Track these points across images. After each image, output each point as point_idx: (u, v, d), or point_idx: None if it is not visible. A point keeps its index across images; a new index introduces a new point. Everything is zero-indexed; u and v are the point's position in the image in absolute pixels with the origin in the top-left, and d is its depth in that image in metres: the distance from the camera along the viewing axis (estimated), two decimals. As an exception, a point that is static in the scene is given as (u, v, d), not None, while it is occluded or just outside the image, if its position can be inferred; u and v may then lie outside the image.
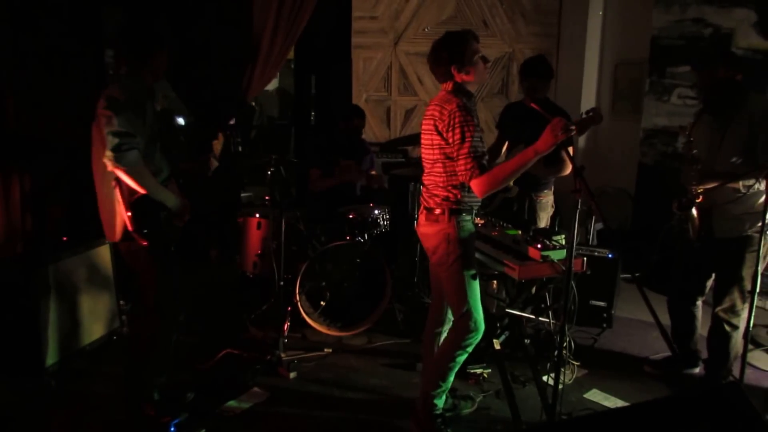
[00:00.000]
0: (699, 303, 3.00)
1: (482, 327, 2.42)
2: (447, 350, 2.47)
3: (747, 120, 2.61)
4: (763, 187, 2.59)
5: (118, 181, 2.30)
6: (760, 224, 2.65)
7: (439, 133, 2.30)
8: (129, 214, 2.30)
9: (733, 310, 2.79)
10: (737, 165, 2.63)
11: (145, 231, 2.31)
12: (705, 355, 3.02)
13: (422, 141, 2.43)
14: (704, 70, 2.67)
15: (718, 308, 2.82)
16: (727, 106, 2.65)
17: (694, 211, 2.70)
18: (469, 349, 2.45)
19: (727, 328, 2.82)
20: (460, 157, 2.25)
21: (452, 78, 2.34)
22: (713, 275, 2.93)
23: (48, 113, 3.38)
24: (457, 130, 2.23)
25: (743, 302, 2.77)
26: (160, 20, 3.61)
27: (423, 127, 2.41)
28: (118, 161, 2.22)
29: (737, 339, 2.83)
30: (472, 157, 2.22)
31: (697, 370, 3.11)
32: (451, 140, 2.26)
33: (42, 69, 3.35)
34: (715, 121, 2.70)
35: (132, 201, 2.30)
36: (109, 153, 2.22)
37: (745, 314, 2.81)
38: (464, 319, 2.39)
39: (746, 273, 2.73)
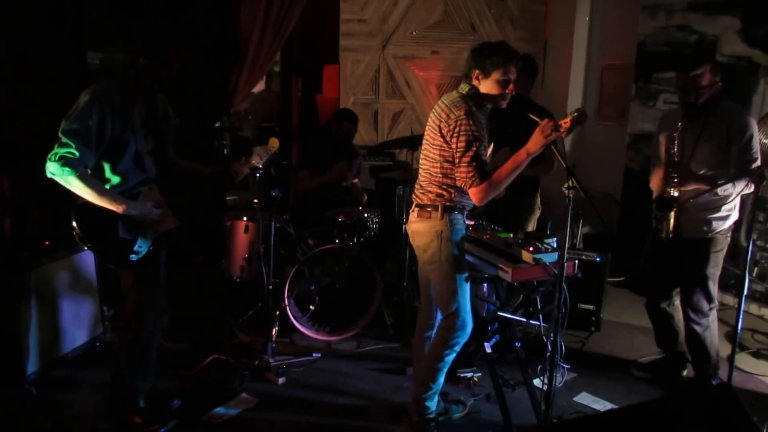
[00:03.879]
0: (676, 303, 3.03)
1: (470, 326, 2.42)
2: (435, 350, 2.46)
3: (721, 127, 2.69)
4: (735, 191, 2.68)
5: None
6: (725, 226, 2.78)
7: (442, 136, 2.30)
8: (72, 222, 2.26)
9: (700, 310, 2.85)
10: (710, 170, 2.71)
11: (85, 238, 2.27)
12: (692, 357, 3.06)
13: (425, 136, 2.42)
14: (688, 74, 2.71)
15: (686, 308, 2.89)
16: (702, 112, 2.71)
17: (673, 212, 2.77)
18: (457, 348, 2.44)
19: (696, 328, 2.87)
20: (462, 164, 2.25)
21: (469, 80, 2.33)
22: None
23: (28, 115, 3.30)
24: (462, 138, 2.23)
25: (709, 302, 2.85)
26: (171, 27, 3.52)
27: (429, 122, 2.40)
28: (49, 168, 2.18)
29: (711, 337, 2.90)
30: (475, 166, 2.23)
31: (684, 372, 3.13)
32: (454, 146, 2.26)
33: (22, 70, 3.28)
34: (690, 127, 2.76)
35: (76, 207, 2.26)
36: (47, 160, 2.18)
37: (714, 314, 2.89)
38: (452, 318, 2.39)
39: (710, 272, 2.82)
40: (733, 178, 2.63)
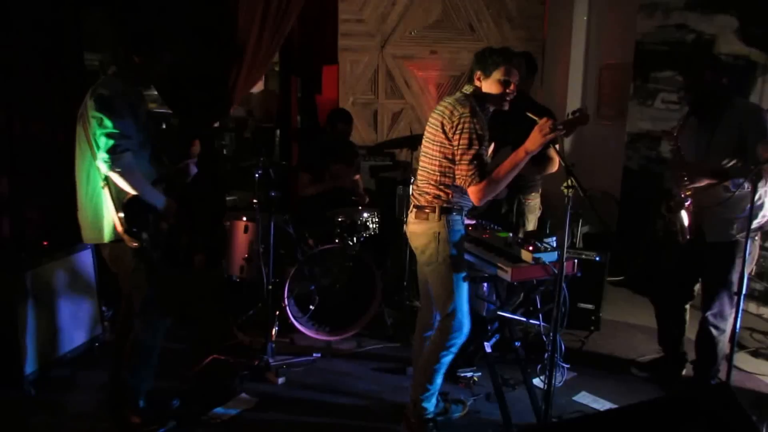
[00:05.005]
0: (687, 306, 3.03)
1: (467, 328, 2.42)
2: (431, 352, 2.46)
3: (735, 123, 2.64)
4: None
5: (108, 181, 2.25)
6: (752, 227, 2.66)
7: (444, 133, 2.30)
8: (121, 215, 2.25)
9: (721, 315, 2.81)
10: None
11: (136, 231, 2.27)
12: (691, 356, 3.05)
13: (425, 133, 2.42)
14: (691, 74, 2.71)
15: (707, 312, 2.84)
16: (712, 109, 2.69)
17: (683, 214, 2.72)
18: (454, 350, 2.44)
19: (714, 332, 2.84)
20: (462, 162, 2.25)
21: (472, 82, 2.36)
22: (700, 279, 2.96)
23: (26, 115, 3.29)
24: (465, 135, 2.23)
25: (731, 307, 2.79)
26: (161, 24, 3.51)
27: (430, 120, 2.41)
28: (113, 163, 2.17)
29: (724, 342, 2.86)
30: (475, 164, 2.23)
31: (684, 372, 3.13)
32: (456, 143, 2.26)
33: (19, 70, 3.27)
34: (702, 125, 2.74)
35: (124, 201, 2.26)
36: (103, 155, 2.18)
37: (731, 318, 2.84)
38: (449, 319, 2.39)
39: (735, 278, 2.74)
40: (746, 174, 2.50)
